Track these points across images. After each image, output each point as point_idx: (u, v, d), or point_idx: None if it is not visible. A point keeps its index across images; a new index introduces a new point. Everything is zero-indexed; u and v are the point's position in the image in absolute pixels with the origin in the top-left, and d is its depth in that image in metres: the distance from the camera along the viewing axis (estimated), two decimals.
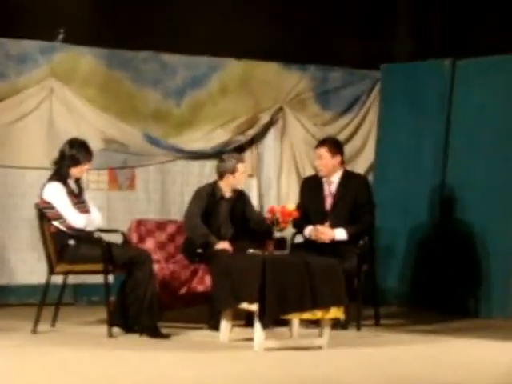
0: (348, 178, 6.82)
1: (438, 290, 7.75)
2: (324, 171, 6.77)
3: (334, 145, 6.83)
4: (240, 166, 6.71)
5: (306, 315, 5.71)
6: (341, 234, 6.60)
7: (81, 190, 6.36)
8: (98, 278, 6.34)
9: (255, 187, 8.39)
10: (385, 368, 5.17)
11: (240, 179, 6.74)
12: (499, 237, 7.47)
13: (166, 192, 8.17)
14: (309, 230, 6.67)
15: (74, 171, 6.26)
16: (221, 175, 6.74)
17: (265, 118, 8.42)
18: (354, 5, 8.75)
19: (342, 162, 6.84)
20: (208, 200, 6.67)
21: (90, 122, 7.83)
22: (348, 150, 8.48)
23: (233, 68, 8.30)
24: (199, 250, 6.54)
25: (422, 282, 7.88)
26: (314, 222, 6.67)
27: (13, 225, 7.67)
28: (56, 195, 6.17)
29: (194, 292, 6.55)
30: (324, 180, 6.81)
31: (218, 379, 4.76)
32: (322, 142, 6.85)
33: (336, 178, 6.79)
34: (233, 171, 6.69)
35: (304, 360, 5.38)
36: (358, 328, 6.54)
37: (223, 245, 6.48)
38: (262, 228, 6.64)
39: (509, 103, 7.57)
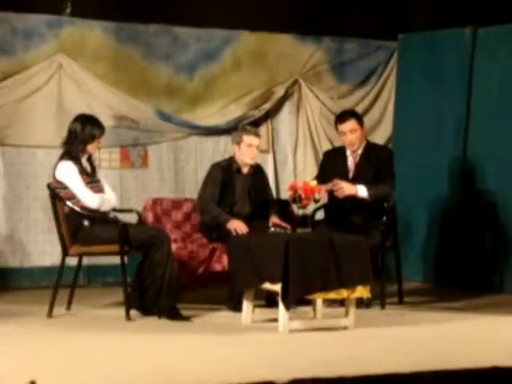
0: (371, 148, 6.64)
1: (461, 265, 7.57)
2: (358, 144, 6.55)
3: (359, 115, 6.70)
4: (245, 138, 6.38)
5: (332, 295, 5.51)
6: (362, 191, 6.36)
7: (94, 168, 6.16)
8: (113, 259, 6.16)
9: (271, 163, 8.20)
10: (413, 348, 4.97)
11: (245, 152, 6.39)
12: None
13: (180, 170, 7.98)
14: (329, 186, 6.35)
15: (89, 147, 6.06)
16: (234, 146, 6.50)
17: (279, 92, 8.20)
18: None
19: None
20: (223, 175, 6.44)
21: (100, 99, 7.64)
22: (365, 123, 8.28)
23: (246, 41, 8.08)
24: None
25: (444, 258, 7.70)
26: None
27: (24, 205, 7.50)
28: (68, 174, 5.98)
29: (212, 271, 6.37)
30: (348, 153, 6.61)
31: (244, 363, 4.57)
32: (350, 115, 6.61)
33: (361, 149, 6.61)
34: (238, 142, 6.42)
35: (331, 341, 5.20)
36: (383, 306, 6.37)
37: (234, 224, 6.25)
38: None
39: None
